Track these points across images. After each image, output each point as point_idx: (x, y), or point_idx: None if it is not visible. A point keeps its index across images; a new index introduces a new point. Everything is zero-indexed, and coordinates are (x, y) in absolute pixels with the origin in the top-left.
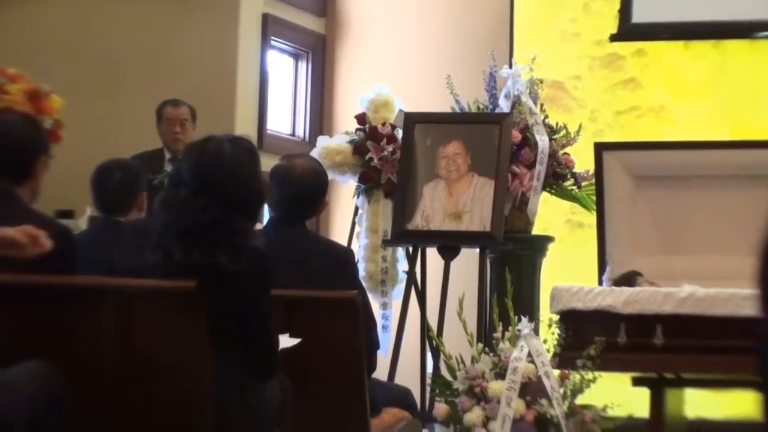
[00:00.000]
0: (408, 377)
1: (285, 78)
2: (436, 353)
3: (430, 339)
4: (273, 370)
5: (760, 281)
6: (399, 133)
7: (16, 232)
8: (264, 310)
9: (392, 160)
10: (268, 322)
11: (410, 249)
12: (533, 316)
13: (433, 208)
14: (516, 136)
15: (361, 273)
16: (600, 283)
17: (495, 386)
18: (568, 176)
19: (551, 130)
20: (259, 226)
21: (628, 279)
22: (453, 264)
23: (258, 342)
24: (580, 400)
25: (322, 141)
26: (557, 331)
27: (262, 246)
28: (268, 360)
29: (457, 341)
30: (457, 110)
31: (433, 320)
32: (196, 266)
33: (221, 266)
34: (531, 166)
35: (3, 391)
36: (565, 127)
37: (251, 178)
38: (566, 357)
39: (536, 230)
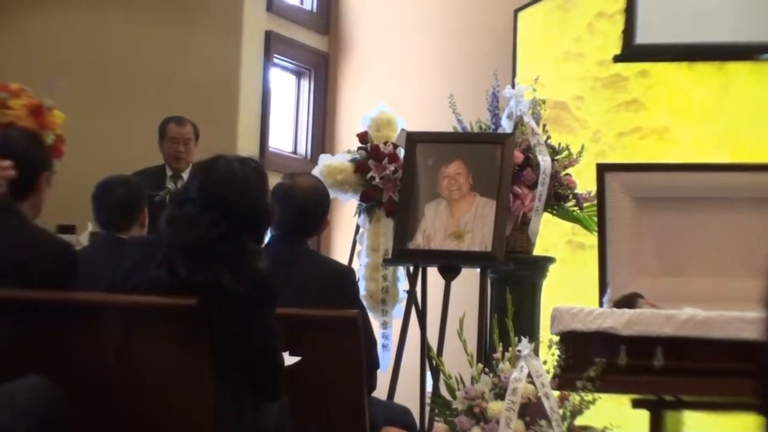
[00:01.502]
0: (407, 396)
1: (287, 96)
2: (436, 373)
3: (430, 358)
4: (279, 390)
5: (767, 304)
6: (401, 152)
7: None
8: (269, 330)
9: (394, 179)
10: (273, 342)
11: (411, 268)
12: (533, 337)
13: (435, 228)
14: (518, 156)
15: (362, 292)
16: (601, 304)
17: (494, 407)
18: (570, 197)
19: (553, 151)
20: None
21: (629, 301)
22: (454, 284)
23: (263, 362)
24: (579, 421)
25: (324, 159)
26: (557, 352)
27: (266, 266)
28: (275, 380)
29: (457, 361)
30: (460, 130)
31: (433, 340)
32: (200, 284)
33: (226, 286)
34: (533, 186)
35: (2, 406)
36: (567, 147)
37: (259, 198)
38: (566, 378)
39: (537, 251)
